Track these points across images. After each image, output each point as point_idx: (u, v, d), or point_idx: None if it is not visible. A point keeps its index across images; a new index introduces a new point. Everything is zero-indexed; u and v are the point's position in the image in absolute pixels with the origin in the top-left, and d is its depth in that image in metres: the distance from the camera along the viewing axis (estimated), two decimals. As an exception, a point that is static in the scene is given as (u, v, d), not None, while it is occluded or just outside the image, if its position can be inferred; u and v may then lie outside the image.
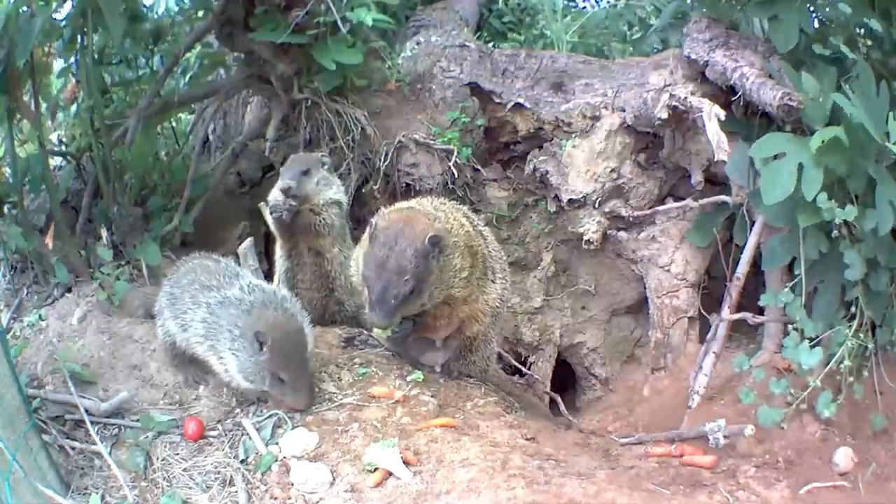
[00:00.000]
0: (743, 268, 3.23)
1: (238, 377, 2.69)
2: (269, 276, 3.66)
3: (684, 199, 3.70)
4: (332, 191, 3.36)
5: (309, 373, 2.74)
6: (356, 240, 3.39)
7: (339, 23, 3.50)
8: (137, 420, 2.80)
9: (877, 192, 2.67)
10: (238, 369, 2.67)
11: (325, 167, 3.38)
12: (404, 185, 3.99)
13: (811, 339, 2.71)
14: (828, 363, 2.71)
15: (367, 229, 2.79)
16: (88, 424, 2.76)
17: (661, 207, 3.76)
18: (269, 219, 3.51)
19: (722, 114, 3.11)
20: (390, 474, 2.48)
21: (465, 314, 2.96)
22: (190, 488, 2.57)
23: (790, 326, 2.78)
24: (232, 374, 2.71)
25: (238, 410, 2.86)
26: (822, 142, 2.63)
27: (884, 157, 2.65)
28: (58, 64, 3.90)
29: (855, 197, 2.73)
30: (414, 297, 2.65)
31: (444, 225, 2.77)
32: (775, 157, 2.80)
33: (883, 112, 2.71)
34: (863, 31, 3.28)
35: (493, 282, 3.04)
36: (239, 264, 3.56)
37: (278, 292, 2.83)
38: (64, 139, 4.27)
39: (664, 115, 3.40)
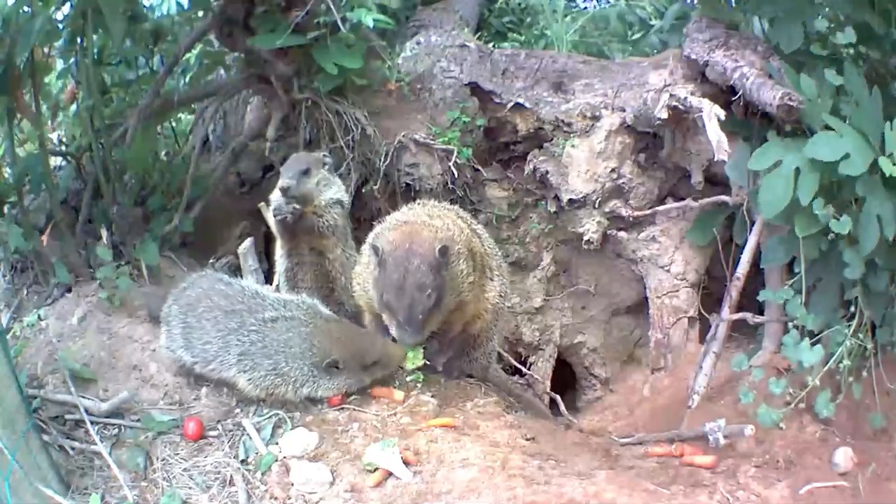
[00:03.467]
0: (743, 268, 3.24)
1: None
2: (269, 276, 3.66)
3: (684, 199, 3.71)
4: (332, 191, 3.34)
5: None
6: (357, 240, 3.40)
7: (340, 23, 3.50)
8: (137, 420, 2.79)
9: (864, 206, 2.67)
10: (333, 393, 2.79)
11: (326, 167, 3.37)
12: (404, 185, 3.99)
13: (811, 337, 2.71)
14: (827, 363, 2.71)
15: (369, 254, 2.78)
16: (88, 424, 2.76)
17: (661, 207, 3.76)
18: (269, 219, 3.51)
19: (722, 114, 3.11)
20: (390, 474, 2.48)
21: (469, 314, 2.98)
22: (190, 488, 2.57)
23: (790, 325, 2.78)
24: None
25: (238, 410, 2.86)
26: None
27: (878, 167, 2.65)
28: (58, 64, 3.90)
29: (854, 200, 2.74)
30: (436, 309, 2.69)
31: (447, 233, 2.79)
32: (774, 165, 2.80)
33: (877, 120, 2.71)
34: (859, 32, 3.27)
35: (491, 279, 3.06)
36: (238, 264, 3.59)
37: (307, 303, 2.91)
38: (64, 139, 4.27)
39: (664, 115, 3.40)
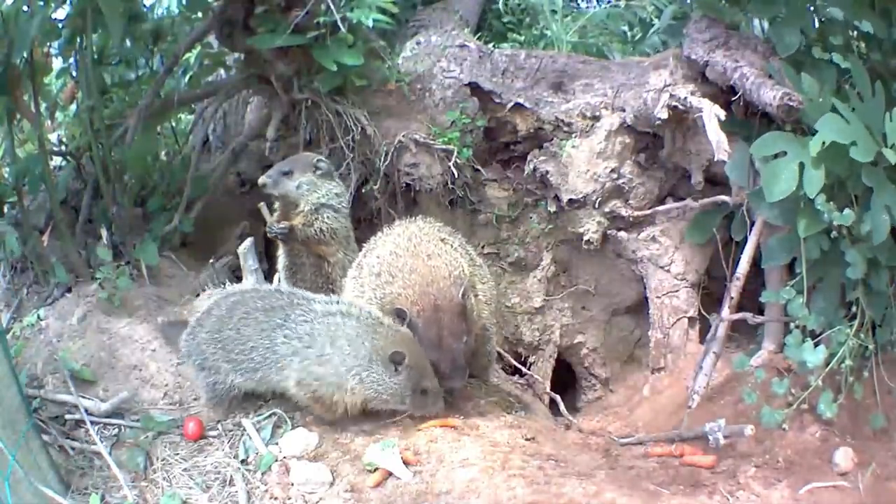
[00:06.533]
0: (743, 268, 3.23)
1: (367, 400, 2.63)
2: (269, 276, 3.66)
3: (684, 199, 3.70)
4: (317, 195, 3.29)
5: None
6: (357, 241, 3.40)
7: (340, 23, 3.50)
8: (137, 420, 2.80)
9: (872, 198, 2.67)
10: (373, 394, 2.60)
11: (319, 171, 3.32)
12: (404, 185, 3.99)
13: (812, 337, 2.71)
14: (828, 363, 2.71)
15: (392, 319, 2.73)
16: (88, 424, 2.76)
17: (661, 207, 3.76)
18: (268, 218, 3.52)
19: (722, 114, 3.11)
20: (390, 474, 2.48)
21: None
22: (190, 488, 2.57)
23: (792, 325, 2.77)
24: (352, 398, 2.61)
25: (238, 410, 2.86)
26: (823, 143, 2.63)
27: (882, 160, 2.65)
28: (57, 64, 3.90)
29: (855, 198, 2.74)
30: (468, 347, 2.80)
31: (456, 272, 2.83)
32: (776, 155, 2.80)
33: (879, 115, 2.71)
34: (860, 32, 3.27)
35: (482, 283, 3.15)
36: (238, 264, 3.58)
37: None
38: (64, 139, 4.27)
39: (664, 115, 3.40)
